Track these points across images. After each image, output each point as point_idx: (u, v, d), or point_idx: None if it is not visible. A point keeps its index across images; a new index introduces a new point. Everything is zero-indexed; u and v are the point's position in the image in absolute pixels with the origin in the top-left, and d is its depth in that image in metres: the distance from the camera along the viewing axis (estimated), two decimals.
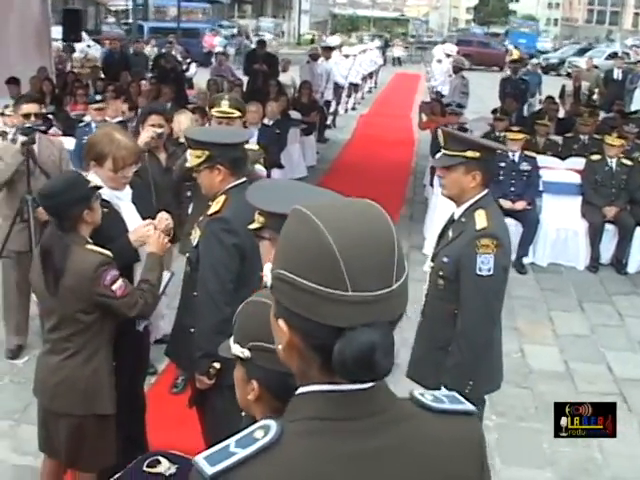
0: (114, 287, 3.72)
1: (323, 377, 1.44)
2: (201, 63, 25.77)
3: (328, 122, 18.50)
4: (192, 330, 3.97)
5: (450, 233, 4.11)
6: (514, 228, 9.27)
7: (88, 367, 3.81)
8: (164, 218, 4.25)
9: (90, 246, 3.76)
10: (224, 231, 3.80)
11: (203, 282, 3.88)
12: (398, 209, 11.72)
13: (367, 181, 12.91)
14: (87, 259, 3.70)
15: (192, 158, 3.92)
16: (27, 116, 6.06)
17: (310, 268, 1.36)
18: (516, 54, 34.83)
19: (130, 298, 3.80)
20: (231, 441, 1.40)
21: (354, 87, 23.16)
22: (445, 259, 4.03)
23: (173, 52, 21.48)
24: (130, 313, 3.83)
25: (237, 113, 5.96)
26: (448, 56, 23.29)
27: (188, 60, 20.50)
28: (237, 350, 1.93)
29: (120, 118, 9.05)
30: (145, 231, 4.09)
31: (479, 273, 3.84)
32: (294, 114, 13.68)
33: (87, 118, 9.57)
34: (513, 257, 9.14)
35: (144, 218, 4.32)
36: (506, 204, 9.22)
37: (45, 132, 6.71)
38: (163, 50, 22.04)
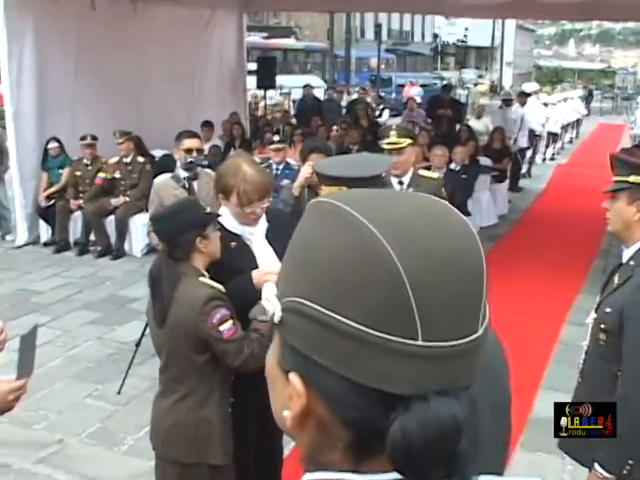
0: (222, 328, 3.36)
1: (345, 463, 0.95)
2: (399, 112, 25.77)
3: (523, 171, 17.80)
4: None
5: (616, 279, 3.48)
6: None
7: (200, 412, 3.49)
8: None
9: (203, 279, 3.46)
10: None
11: None
12: (591, 261, 10.98)
13: (560, 231, 12.31)
14: (197, 292, 3.39)
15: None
16: (189, 151, 6.00)
17: (356, 299, 0.87)
18: None
19: (238, 345, 3.40)
20: None
21: (553, 136, 22.28)
22: (608, 309, 3.38)
23: (369, 99, 21.59)
24: (234, 362, 3.42)
25: (406, 142, 5.59)
26: None
27: (381, 106, 20.44)
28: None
29: None
30: (266, 272, 3.62)
31: None
32: (484, 160, 13.16)
33: (271, 160, 9.58)
34: None
35: None
36: None
37: (210, 167, 6.63)
38: (355, 96, 22.18)
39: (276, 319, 0.96)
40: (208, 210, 3.58)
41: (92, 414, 6.09)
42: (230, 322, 3.39)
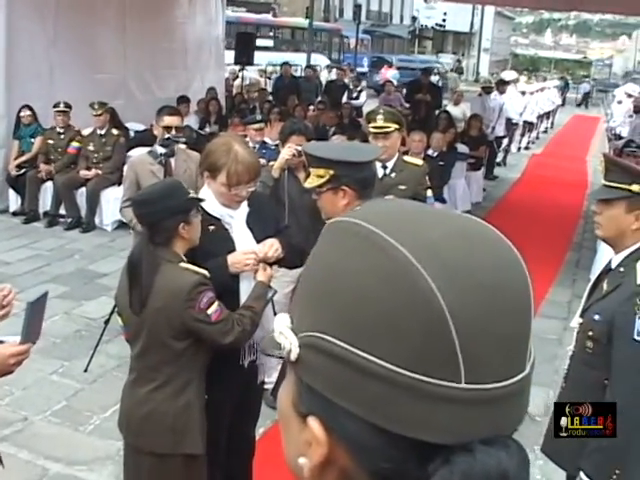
0: (209, 311, 3.29)
1: None
2: (376, 93, 25.69)
3: (498, 159, 17.80)
4: None
5: (605, 285, 3.38)
6: None
7: (178, 401, 3.38)
8: (269, 245, 3.68)
9: (184, 264, 3.35)
10: None
11: None
12: (564, 254, 11.00)
13: (533, 222, 12.29)
14: (181, 279, 3.28)
15: (313, 177, 3.43)
16: (168, 128, 5.88)
17: (388, 336, 0.75)
18: None
19: (225, 324, 3.35)
20: None
21: (529, 125, 22.26)
22: (596, 317, 3.29)
23: (346, 80, 21.44)
24: (224, 340, 3.36)
25: (393, 126, 5.46)
26: (629, 96, 21.90)
27: (359, 88, 20.29)
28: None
29: None
30: (244, 259, 3.60)
31: (637, 338, 3.06)
32: (461, 147, 13.09)
33: (247, 139, 9.40)
34: None
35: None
36: None
37: (186, 144, 6.50)
38: (334, 77, 22.05)
39: (293, 357, 0.84)
40: (192, 194, 3.44)
41: (58, 391, 5.96)
42: (216, 304, 3.34)
